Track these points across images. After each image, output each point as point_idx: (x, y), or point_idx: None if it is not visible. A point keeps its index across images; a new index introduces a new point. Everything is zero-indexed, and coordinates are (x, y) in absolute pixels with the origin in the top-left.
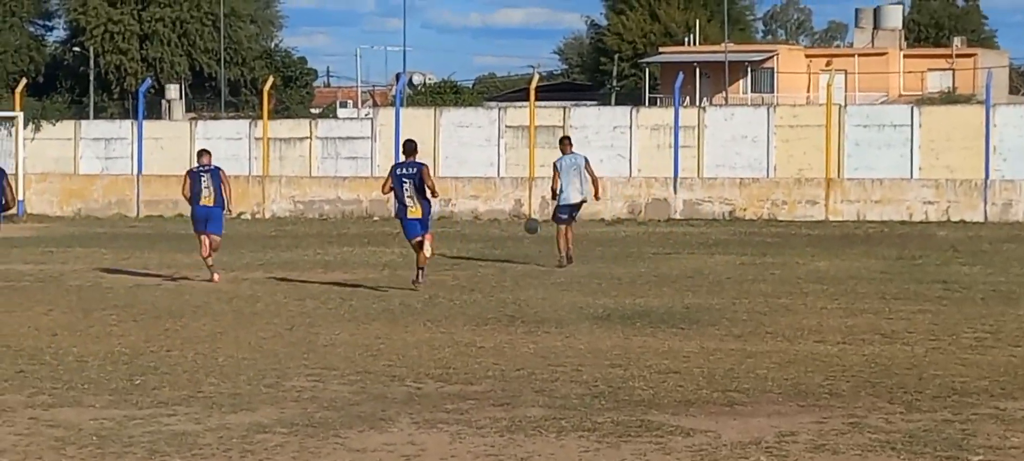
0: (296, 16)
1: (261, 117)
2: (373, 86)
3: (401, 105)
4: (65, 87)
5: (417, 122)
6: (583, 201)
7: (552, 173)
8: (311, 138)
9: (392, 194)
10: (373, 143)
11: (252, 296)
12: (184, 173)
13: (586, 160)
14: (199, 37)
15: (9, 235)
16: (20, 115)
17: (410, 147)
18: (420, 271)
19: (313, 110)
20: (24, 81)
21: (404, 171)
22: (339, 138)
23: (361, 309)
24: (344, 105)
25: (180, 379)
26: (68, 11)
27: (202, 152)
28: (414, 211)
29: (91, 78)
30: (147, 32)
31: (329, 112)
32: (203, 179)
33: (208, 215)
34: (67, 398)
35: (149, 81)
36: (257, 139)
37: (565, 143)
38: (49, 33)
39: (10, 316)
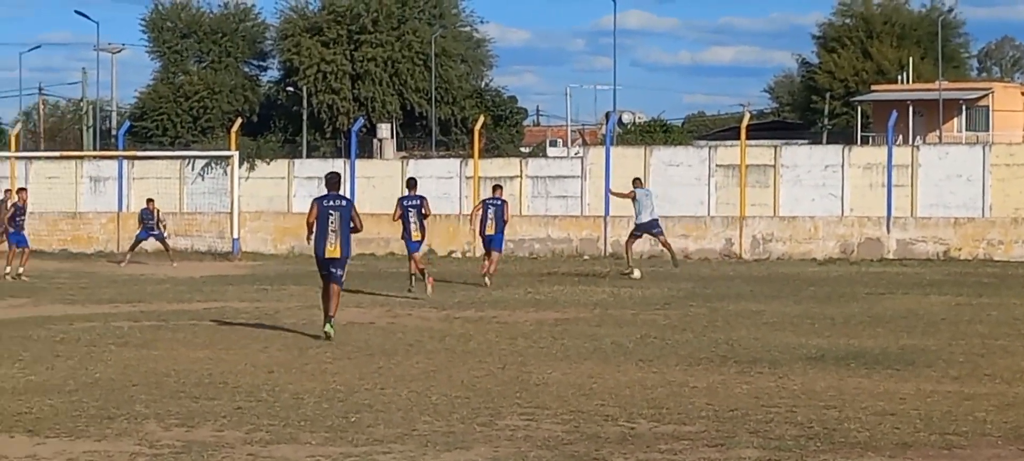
0: (506, 55)
1: (472, 156)
2: (583, 125)
3: (611, 144)
4: (279, 126)
5: (627, 161)
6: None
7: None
8: (521, 177)
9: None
10: (583, 182)
11: (464, 334)
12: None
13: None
14: (410, 76)
15: (224, 273)
16: (235, 154)
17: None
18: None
19: (523, 149)
20: (239, 121)
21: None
22: (549, 177)
23: (573, 348)
24: (554, 144)
25: (394, 417)
26: (282, 52)
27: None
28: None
29: (304, 117)
30: (359, 72)
31: (539, 151)
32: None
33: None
34: (284, 435)
35: (361, 120)
36: (468, 178)
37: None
38: (263, 73)
39: (227, 353)
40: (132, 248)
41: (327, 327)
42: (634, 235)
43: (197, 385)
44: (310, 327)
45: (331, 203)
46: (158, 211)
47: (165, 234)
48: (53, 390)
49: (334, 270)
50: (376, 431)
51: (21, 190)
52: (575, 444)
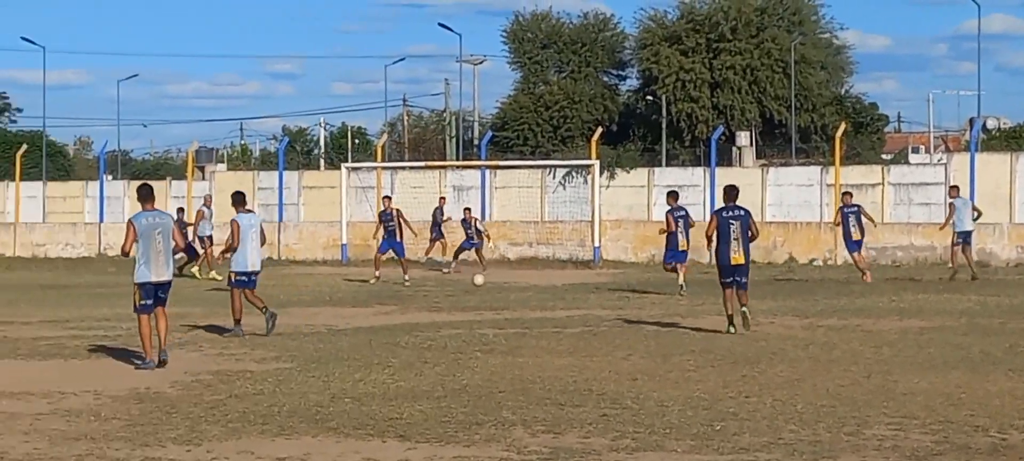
0: (866, 62)
1: (832, 163)
2: (945, 131)
3: (975, 150)
4: (638, 135)
5: (991, 167)
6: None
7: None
8: (883, 184)
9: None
10: (947, 189)
11: (828, 343)
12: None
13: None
14: (769, 84)
15: (585, 281)
16: (596, 163)
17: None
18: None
19: (884, 156)
20: (599, 130)
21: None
22: (912, 184)
23: (939, 357)
24: (916, 151)
25: (759, 425)
26: (641, 61)
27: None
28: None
29: (663, 126)
30: (718, 80)
31: (900, 158)
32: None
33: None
34: (650, 442)
35: (721, 129)
36: (828, 185)
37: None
38: (622, 82)
39: (591, 360)
40: (456, 256)
41: (734, 326)
42: (961, 243)
43: (562, 392)
44: (672, 335)
45: (730, 213)
46: (475, 220)
47: (481, 243)
48: (422, 396)
49: (739, 277)
50: (741, 439)
51: (386, 198)
52: (945, 455)
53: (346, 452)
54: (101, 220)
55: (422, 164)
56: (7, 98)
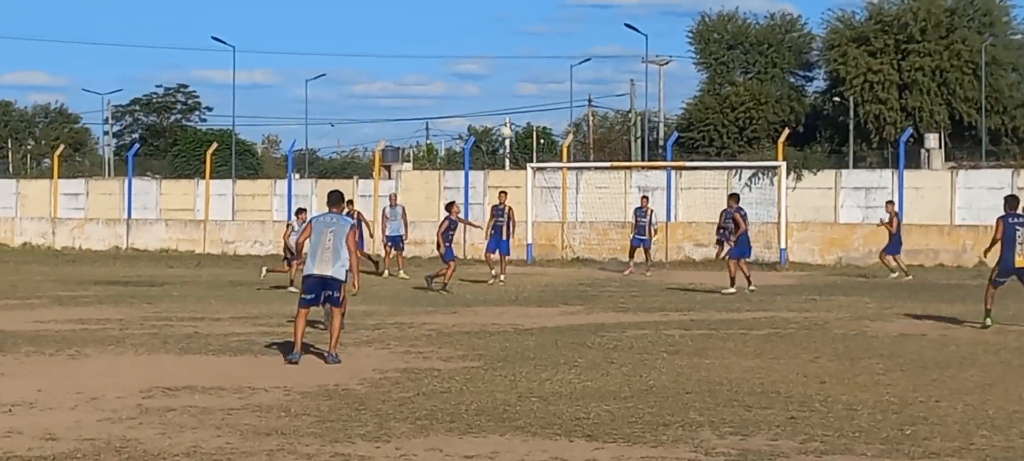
0: None
1: (1023, 167)
2: None
3: None
4: (825, 137)
5: None
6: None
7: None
8: None
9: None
10: None
11: (1020, 348)
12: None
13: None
14: (959, 86)
15: (772, 283)
16: (783, 164)
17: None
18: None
19: None
20: (786, 131)
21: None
22: None
23: None
24: None
25: (950, 430)
26: (828, 62)
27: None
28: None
29: (850, 127)
30: (906, 82)
31: None
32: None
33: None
34: (839, 446)
35: (909, 131)
36: (1020, 188)
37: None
38: (809, 84)
39: (778, 363)
40: (630, 255)
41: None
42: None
43: (750, 394)
44: (860, 338)
45: (1016, 220)
46: (651, 212)
47: (651, 242)
48: (609, 396)
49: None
50: (932, 444)
51: (502, 193)
52: None
53: (533, 451)
54: (289, 218)
55: (607, 164)
56: (198, 97)
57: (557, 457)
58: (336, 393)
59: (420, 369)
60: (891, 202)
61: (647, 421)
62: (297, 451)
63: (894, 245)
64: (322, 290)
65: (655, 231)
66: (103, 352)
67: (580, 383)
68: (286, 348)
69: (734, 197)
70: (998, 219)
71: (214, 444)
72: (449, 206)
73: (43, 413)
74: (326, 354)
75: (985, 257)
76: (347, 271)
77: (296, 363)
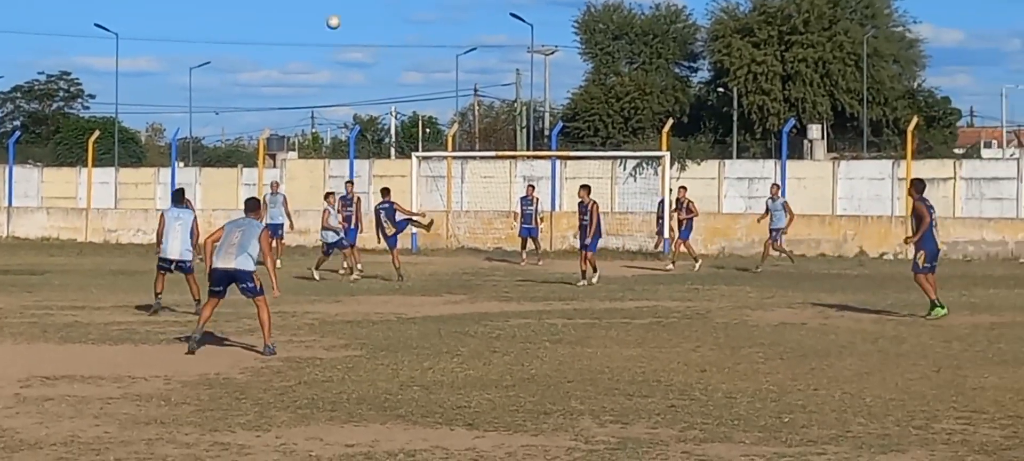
0: (938, 55)
1: (904, 157)
2: (1019, 126)
3: None
4: (709, 127)
5: None
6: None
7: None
8: (955, 179)
9: None
10: (1019, 184)
11: (896, 337)
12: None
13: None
14: (841, 77)
15: (655, 272)
16: (667, 155)
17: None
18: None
19: (956, 150)
20: (670, 121)
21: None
22: (984, 179)
23: (1010, 352)
24: (988, 145)
25: (828, 418)
26: (712, 53)
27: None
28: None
29: (734, 118)
30: (790, 73)
31: (973, 153)
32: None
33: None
34: (718, 434)
35: (792, 121)
36: (900, 179)
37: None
38: (694, 74)
39: (660, 351)
40: (522, 245)
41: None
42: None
43: (630, 382)
44: (741, 327)
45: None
46: (537, 200)
47: (538, 231)
48: (491, 385)
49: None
50: (810, 432)
51: (348, 182)
52: (1015, 450)
53: (414, 439)
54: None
55: (493, 154)
56: (80, 84)
57: (438, 446)
58: (217, 382)
59: (302, 358)
60: (777, 185)
61: (528, 410)
62: (176, 440)
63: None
64: (228, 282)
65: (541, 220)
66: None
67: (462, 372)
68: (169, 337)
69: (586, 188)
70: (922, 204)
71: (92, 434)
72: (328, 197)
73: None
74: (264, 348)
75: (908, 243)
76: (258, 263)
77: (195, 345)
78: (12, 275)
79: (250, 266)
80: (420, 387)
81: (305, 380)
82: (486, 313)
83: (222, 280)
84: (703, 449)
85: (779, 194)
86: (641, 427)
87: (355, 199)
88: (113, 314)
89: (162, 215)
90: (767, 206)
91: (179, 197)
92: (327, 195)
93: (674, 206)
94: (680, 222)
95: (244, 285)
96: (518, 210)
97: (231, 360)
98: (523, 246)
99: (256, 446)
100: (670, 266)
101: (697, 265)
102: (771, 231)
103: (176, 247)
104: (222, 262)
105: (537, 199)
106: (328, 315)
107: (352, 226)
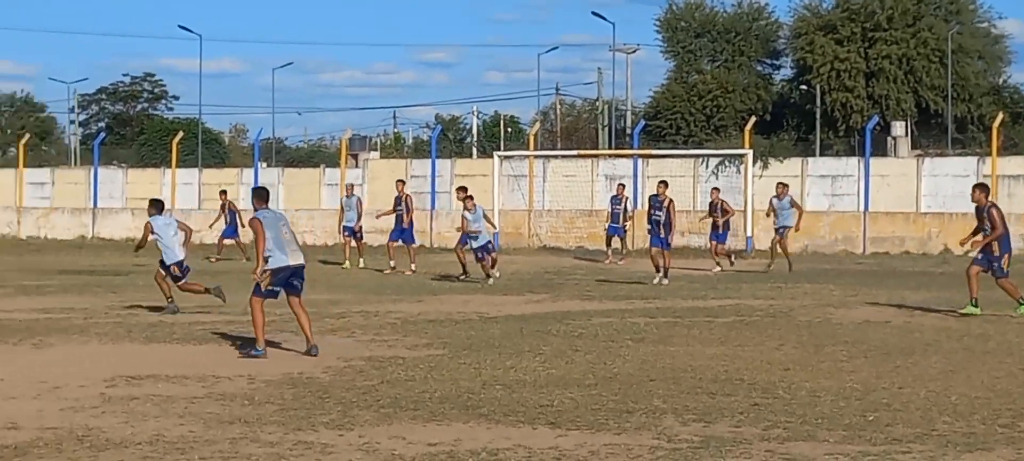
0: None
1: (989, 154)
2: None
3: None
4: (791, 125)
5: None
6: None
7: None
8: None
9: None
10: None
11: (983, 334)
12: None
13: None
14: (925, 74)
15: (739, 270)
16: (749, 153)
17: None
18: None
19: None
20: (753, 119)
21: None
22: None
23: None
24: None
25: (913, 416)
26: (795, 50)
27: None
28: None
29: (817, 116)
30: (873, 70)
31: None
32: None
33: None
34: (801, 432)
35: (876, 118)
36: (985, 176)
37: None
38: (776, 72)
39: (742, 350)
40: (607, 243)
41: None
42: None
43: (713, 381)
44: (824, 325)
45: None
46: (626, 200)
47: (625, 231)
48: (573, 383)
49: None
50: (894, 430)
51: (399, 182)
52: None
53: (497, 438)
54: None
55: (574, 153)
56: (164, 86)
57: (521, 444)
58: (300, 381)
59: (384, 357)
60: (784, 184)
61: (611, 408)
62: (260, 439)
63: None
64: (291, 278)
65: (628, 218)
66: (67, 341)
67: (544, 371)
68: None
69: (664, 184)
70: (998, 208)
71: (177, 433)
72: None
73: (6, 402)
74: (309, 348)
75: (972, 244)
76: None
77: (263, 357)
78: (97, 276)
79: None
80: (502, 386)
81: (388, 379)
82: (568, 312)
83: (293, 276)
84: (787, 448)
85: (786, 193)
86: (724, 426)
87: (406, 198)
88: (197, 314)
89: (150, 224)
90: (772, 204)
91: (161, 206)
92: (465, 200)
93: (708, 209)
94: (715, 225)
95: (302, 279)
96: (608, 209)
97: (314, 360)
98: (608, 244)
99: (339, 445)
100: (718, 268)
101: (723, 266)
102: (777, 229)
103: (181, 251)
104: (295, 259)
105: (627, 198)
106: (410, 314)
107: (405, 226)
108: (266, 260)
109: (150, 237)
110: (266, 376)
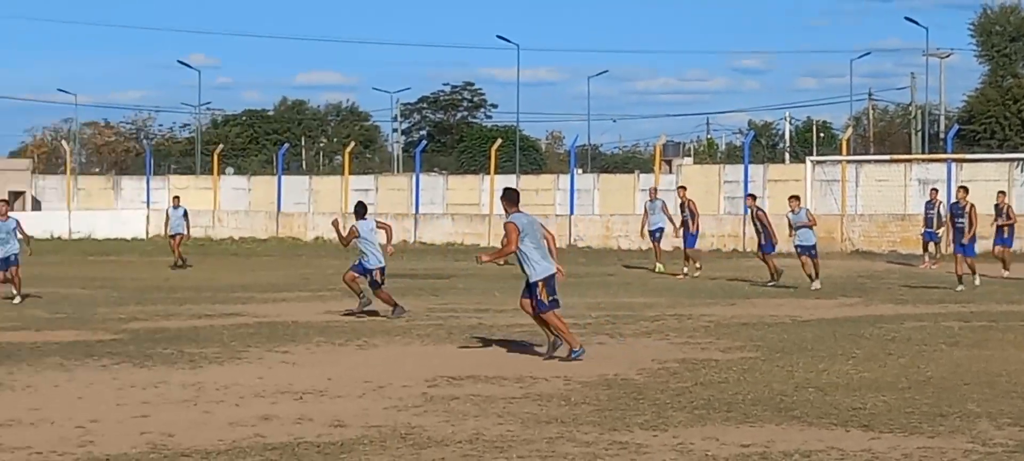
0: None
1: None
2: None
3: None
4: None
5: None
6: None
7: None
8: None
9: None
10: None
11: None
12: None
13: None
14: None
15: None
16: None
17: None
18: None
19: None
20: None
21: None
22: None
23: None
24: None
25: None
26: None
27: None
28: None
29: None
30: None
31: None
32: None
33: None
34: None
35: None
36: None
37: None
38: None
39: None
40: (924, 248)
41: None
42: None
43: None
44: None
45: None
46: (940, 204)
47: (939, 236)
48: (886, 387)
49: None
50: None
51: (681, 188)
52: None
53: (809, 440)
54: (571, 212)
55: (887, 158)
56: (483, 94)
57: (833, 447)
58: (615, 383)
59: (698, 359)
60: (795, 197)
61: (924, 412)
62: (576, 439)
63: None
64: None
65: (942, 224)
66: (390, 342)
67: (857, 374)
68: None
69: (964, 189)
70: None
71: (495, 432)
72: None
73: (332, 401)
74: (571, 352)
75: None
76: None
77: (581, 358)
78: (419, 279)
79: None
80: (815, 389)
81: (701, 381)
82: (880, 315)
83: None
84: None
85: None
86: None
87: (689, 204)
88: (515, 317)
89: (355, 228)
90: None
91: (364, 210)
92: (790, 200)
93: (994, 213)
94: (999, 229)
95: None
96: (922, 214)
97: (629, 361)
98: (924, 248)
99: (653, 445)
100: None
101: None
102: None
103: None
104: (553, 264)
105: (940, 203)
106: (723, 318)
107: (693, 231)
108: (534, 269)
109: (354, 241)
110: (582, 377)
